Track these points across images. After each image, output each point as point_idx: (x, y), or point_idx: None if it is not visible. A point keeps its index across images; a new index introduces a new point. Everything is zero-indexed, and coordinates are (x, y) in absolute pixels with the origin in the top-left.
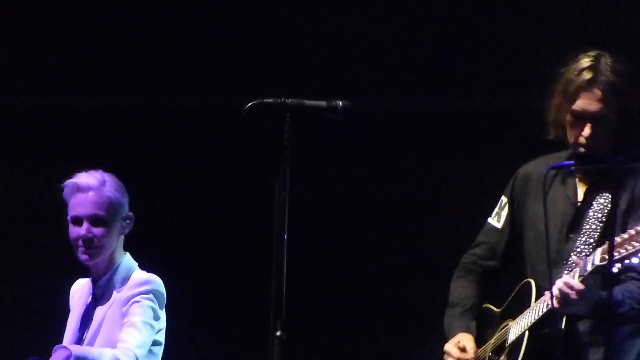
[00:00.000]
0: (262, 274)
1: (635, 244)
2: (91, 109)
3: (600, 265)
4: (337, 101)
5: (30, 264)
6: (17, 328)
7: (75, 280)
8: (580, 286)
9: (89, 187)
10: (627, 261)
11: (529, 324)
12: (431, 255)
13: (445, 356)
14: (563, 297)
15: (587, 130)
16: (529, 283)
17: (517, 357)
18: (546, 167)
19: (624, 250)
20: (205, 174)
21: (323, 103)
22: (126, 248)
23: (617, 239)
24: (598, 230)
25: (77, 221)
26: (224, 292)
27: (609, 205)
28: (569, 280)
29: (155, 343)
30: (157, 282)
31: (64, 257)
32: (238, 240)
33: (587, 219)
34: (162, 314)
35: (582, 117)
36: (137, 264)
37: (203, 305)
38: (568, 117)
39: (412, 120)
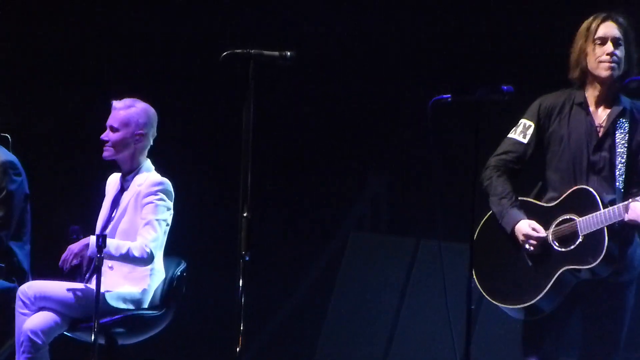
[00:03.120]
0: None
1: None
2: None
3: None
4: (287, 52)
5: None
6: (69, 206)
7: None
8: None
9: (117, 107)
10: None
11: (608, 222)
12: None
13: (523, 237)
14: None
15: (610, 47)
16: (587, 190)
17: (603, 244)
18: (567, 99)
19: None
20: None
21: (276, 53)
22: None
23: None
24: (625, 147)
25: (105, 128)
26: (208, 190)
27: (625, 124)
28: None
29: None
30: (166, 182)
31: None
32: (220, 153)
33: (613, 139)
34: (171, 204)
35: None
36: (154, 167)
37: (194, 202)
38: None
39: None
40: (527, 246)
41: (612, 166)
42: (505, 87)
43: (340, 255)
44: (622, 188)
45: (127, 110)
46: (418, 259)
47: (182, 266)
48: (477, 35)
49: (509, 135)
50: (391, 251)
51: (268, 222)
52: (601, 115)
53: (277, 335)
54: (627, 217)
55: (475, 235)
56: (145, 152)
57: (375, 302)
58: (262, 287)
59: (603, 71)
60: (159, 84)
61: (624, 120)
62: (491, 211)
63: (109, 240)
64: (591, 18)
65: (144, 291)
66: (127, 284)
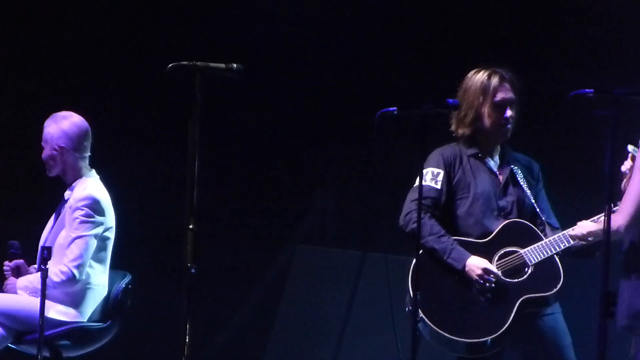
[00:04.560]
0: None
1: None
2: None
3: None
4: (233, 64)
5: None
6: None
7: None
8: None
9: (45, 124)
10: None
11: (556, 250)
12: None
13: (482, 271)
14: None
15: (508, 112)
16: (521, 223)
17: (558, 269)
18: (461, 152)
19: None
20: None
21: (222, 65)
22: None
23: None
24: (525, 187)
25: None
26: (154, 202)
27: (519, 171)
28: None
29: (105, 239)
30: (95, 197)
31: None
32: (166, 165)
33: (516, 183)
34: (106, 218)
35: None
36: (96, 179)
37: (140, 214)
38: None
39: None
40: (484, 281)
41: (522, 209)
42: (450, 100)
43: (288, 268)
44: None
45: (46, 128)
46: (364, 271)
47: (127, 279)
48: (423, 48)
49: (419, 184)
50: (338, 264)
51: (215, 234)
52: (495, 164)
53: (224, 347)
54: (572, 233)
55: (410, 275)
56: (81, 164)
57: (322, 314)
58: (208, 300)
59: (501, 135)
60: (104, 96)
61: (514, 166)
62: (420, 253)
63: (27, 279)
64: (484, 76)
65: (81, 306)
66: (64, 299)
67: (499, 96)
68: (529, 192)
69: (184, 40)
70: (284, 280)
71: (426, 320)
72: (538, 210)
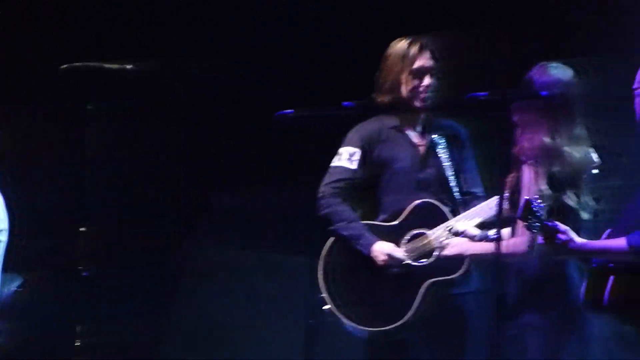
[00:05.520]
0: None
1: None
2: None
3: None
4: (127, 65)
5: None
6: None
7: None
8: None
9: None
10: None
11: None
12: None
13: (386, 256)
14: None
15: (426, 80)
16: (430, 203)
17: None
18: (382, 125)
19: None
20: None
21: (115, 65)
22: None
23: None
24: (448, 161)
25: None
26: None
27: (441, 140)
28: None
29: None
30: None
31: None
32: (62, 166)
33: (435, 155)
34: None
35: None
36: None
37: (34, 215)
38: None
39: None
40: (388, 267)
41: (442, 181)
42: (345, 103)
43: (183, 271)
44: (460, 198)
45: None
46: (259, 273)
47: (18, 282)
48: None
49: (334, 164)
50: (233, 265)
51: (108, 236)
52: (417, 135)
53: (113, 351)
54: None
55: (322, 266)
56: None
57: (219, 317)
58: (101, 302)
59: (419, 102)
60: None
61: (436, 136)
62: (332, 239)
63: None
64: (405, 43)
65: None
66: None
67: (417, 64)
68: (448, 163)
69: (161, 37)
70: (179, 284)
71: (336, 313)
72: (455, 184)
